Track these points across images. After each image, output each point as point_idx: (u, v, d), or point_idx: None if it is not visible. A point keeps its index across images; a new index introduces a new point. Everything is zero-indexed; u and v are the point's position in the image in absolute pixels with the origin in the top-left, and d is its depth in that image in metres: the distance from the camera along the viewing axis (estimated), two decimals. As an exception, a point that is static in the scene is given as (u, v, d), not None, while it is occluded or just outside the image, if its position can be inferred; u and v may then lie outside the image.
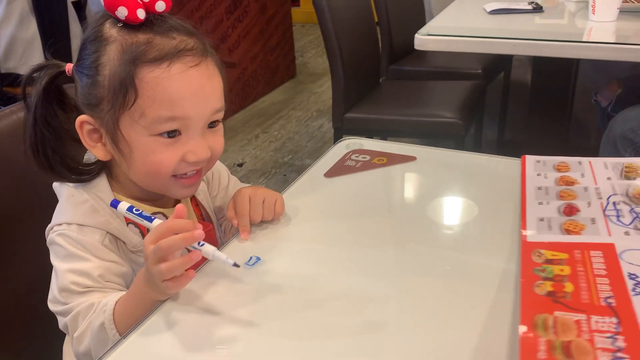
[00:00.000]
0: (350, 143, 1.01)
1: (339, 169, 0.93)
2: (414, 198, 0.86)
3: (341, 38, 1.99)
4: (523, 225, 0.73)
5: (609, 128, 1.67)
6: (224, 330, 0.60)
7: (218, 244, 0.85)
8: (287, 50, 3.81)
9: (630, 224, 0.71)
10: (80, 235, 0.70)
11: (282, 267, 0.70)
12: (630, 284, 0.59)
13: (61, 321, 0.70)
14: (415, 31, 1.63)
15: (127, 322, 0.63)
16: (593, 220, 0.72)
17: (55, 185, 0.76)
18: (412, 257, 0.72)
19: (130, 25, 0.67)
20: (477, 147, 2.32)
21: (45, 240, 0.73)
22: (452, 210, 0.84)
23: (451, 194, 0.88)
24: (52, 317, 0.72)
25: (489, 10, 1.80)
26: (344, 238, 0.75)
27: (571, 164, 0.88)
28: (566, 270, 0.63)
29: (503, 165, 0.93)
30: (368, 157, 0.96)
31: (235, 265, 0.60)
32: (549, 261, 0.65)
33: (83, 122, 0.70)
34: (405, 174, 0.91)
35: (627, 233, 0.69)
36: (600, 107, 1.93)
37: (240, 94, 3.38)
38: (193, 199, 0.84)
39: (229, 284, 0.67)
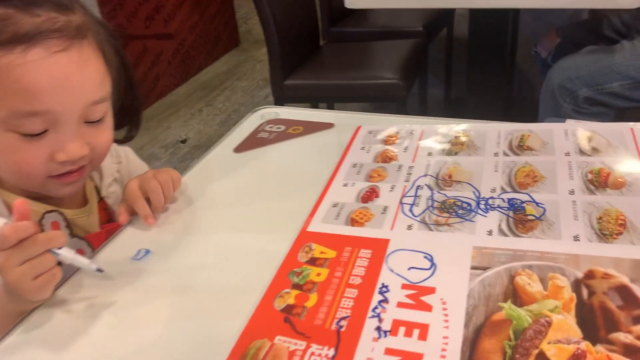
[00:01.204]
0: (266, 113, 0.93)
1: (250, 142, 0.85)
2: (325, 172, 0.79)
3: (274, 2, 1.89)
4: (313, 210, 0.67)
5: (547, 78, 1.63)
6: (97, 335, 0.53)
7: None
8: (228, 17, 3.65)
9: (419, 215, 0.64)
10: None
11: (174, 262, 0.62)
12: (375, 300, 0.53)
13: None
14: None
15: None
16: (385, 209, 0.65)
17: None
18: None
19: None
20: (423, 107, 2.26)
21: None
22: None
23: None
24: None
25: (422, -37, 1.72)
26: (247, 225, 0.68)
27: (402, 134, 0.81)
28: (323, 275, 0.57)
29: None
30: (283, 127, 0.88)
31: (99, 270, 0.52)
32: (313, 261, 0.59)
33: None
34: (319, 144, 0.83)
35: (409, 227, 0.62)
36: (541, 58, 1.90)
37: (180, 67, 3.23)
38: (101, 202, 0.76)
39: (108, 283, 0.60)
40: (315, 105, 2.31)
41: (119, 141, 0.77)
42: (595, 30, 1.78)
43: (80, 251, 0.69)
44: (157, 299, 0.57)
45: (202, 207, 0.71)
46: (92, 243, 0.71)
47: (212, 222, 0.69)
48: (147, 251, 0.64)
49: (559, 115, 1.60)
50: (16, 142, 0.59)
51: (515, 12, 2.03)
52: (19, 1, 0.58)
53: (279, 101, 2.04)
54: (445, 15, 2.42)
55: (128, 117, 0.74)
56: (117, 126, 0.72)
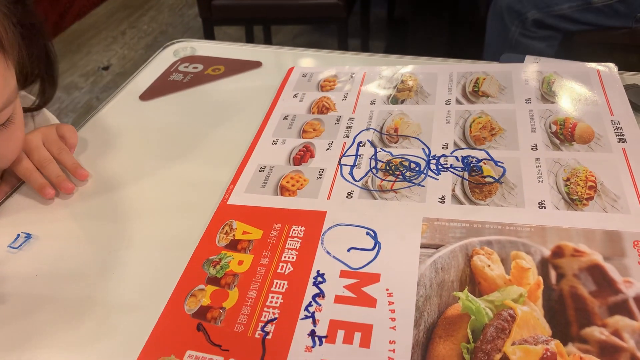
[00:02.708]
0: (179, 49, 0.79)
1: (159, 88, 0.71)
2: (251, 126, 0.67)
3: None
4: (235, 177, 0.55)
5: (496, 0, 1.53)
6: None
7: None
8: None
9: (361, 178, 0.53)
10: None
11: (60, 248, 0.50)
12: (309, 294, 0.43)
13: None
14: None
15: None
16: (321, 172, 0.55)
17: None
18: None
19: None
20: (365, 29, 2.12)
21: None
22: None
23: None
24: None
25: None
26: (153, 198, 0.56)
27: (341, 78, 0.68)
28: (245, 263, 0.46)
29: (358, 65, 0.74)
30: (201, 67, 0.75)
31: None
32: (233, 244, 0.48)
33: None
34: (244, 89, 0.71)
35: (349, 194, 0.52)
36: (488, -24, 1.77)
37: (98, -17, 2.90)
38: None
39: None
40: (249, 28, 2.13)
41: (31, 109, 0.62)
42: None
43: None
44: (36, 308, 0.46)
45: (99, 176, 0.59)
46: None
47: (109, 196, 0.56)
48: (28, 235, 0.51)
49: (506, 39, 1.52)
50: None
51: None
52: None
53: (207, 23, 1.85)
54: None
55: (41, 82, 0.59)
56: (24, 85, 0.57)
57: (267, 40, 2.23)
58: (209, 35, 1.88)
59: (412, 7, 2.39)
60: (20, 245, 0.50)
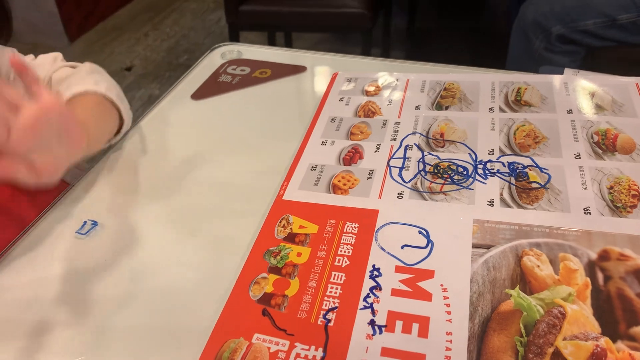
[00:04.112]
0: (227, 51, 0.82)
1: (209, 88, 0.74)
2: (299, 126, 0.70)
3: None
4: (288, 174, 0.58)
5: (520, 13, 1.55)
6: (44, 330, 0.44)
7: None
8: None
9: (411, 180, 0.56)
10: None
11: (125, 236, 0.53)
12: (366, 287, 0.46)
13: None
14: None
15: None
16: (371, 173, 0.57)
17: None
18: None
19: None
20: (386, 38, 2.15)
21: None
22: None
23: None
24: None
25: None
26: (210, 191, 0.58)
27: (385, 83, 0.71)
28: (304, 255, 0.49)
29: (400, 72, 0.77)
30: (248, 70, 0.77)
31: None
32: (291, 237, 0.51)
33: None
34: (291, 92, 0.73)
35: (400, 195, 0.54)
36: (512, -9, 1.80)
37: (123, -15, 2.96)
38: None
39: (54, 264, 0.50)
40: (271, 34, 2.16)
41: None
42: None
43: None
44: (109, 286, 0.48)
45: (156, 168, 0.61)
46: None
47: (168, 187, 0.59)
48: (94, 223, 0.54)
49: (530, 53, 1.54)
50: None
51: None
52: None
53: (234, 28, 1.89)
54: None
55: None
56: None
57: (288, 46, 2.26)
58: (233, 39, 1.92)
59: (432, 18, 2.42)
60: (88, 231, 0.53)
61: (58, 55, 0.71)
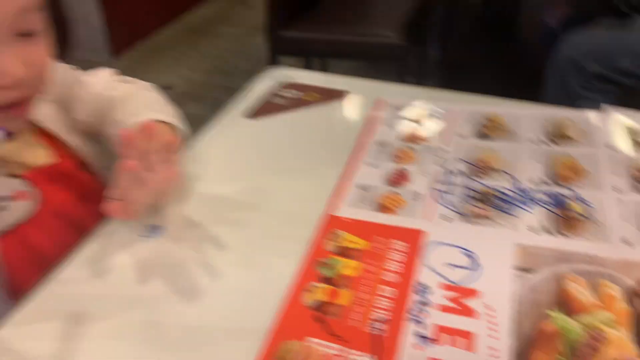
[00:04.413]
0: (279, 75, 0.86)
1: (263, 108, 0.79)
2: (345, 147, 0.73)
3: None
4: (336, 192, 0.61)
5: (558, 51, 1.58)
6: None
7: (96, 169, 0.71)
8: (218, -43, 3.46)
9: (455, 204, 0.59)
10: None
11: (191, 240, 0.57)
12: (412, 299, 0.49)
13: None
14: None
15: None
16: (417, 196, 0.61)
17: None
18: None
19: None
20: (420, 68, 2.20)
21: None
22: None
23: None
24: None
25: None
26: (264, 202, 0.62)
27: (429, 111, 0.75)
28: (353, 268, 0.52)
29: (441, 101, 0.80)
30: (298, 93, 0.82)
31: None
32: (342, 251, 0.54)
33: None
34: (337, 115, 0.77)
35: (445, 217, 0.58)
36: (547, 27, 1.83)
37: (166, 6, 3.07)
38: (38, 130, 0.66)
39: (121, 265, 0.54)
40: (308, 60, 2.22)
41: None
42: (608, 2, 1.72)
43: (20, 194, 0.60)
44: (170, 285, 0.52)
45: (215, 179, 0.66)
46: (33, 182, 0.62)
47: (226, 196, 0.63)
48: (158, 227, 0.58)
49: (566, 90, 1.56)
50: None
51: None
52: None
53: (273, 53, 1.95)
54: (451, -27, 2.32)
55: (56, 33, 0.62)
56: None
57: (324, 71, 2.32)
58: (272, 63, 1.98)
59: (466, 50, 2.46)
60: (151, 234, 0.57)
61: (113, 71, 0.76)
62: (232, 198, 0.63)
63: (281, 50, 1.94)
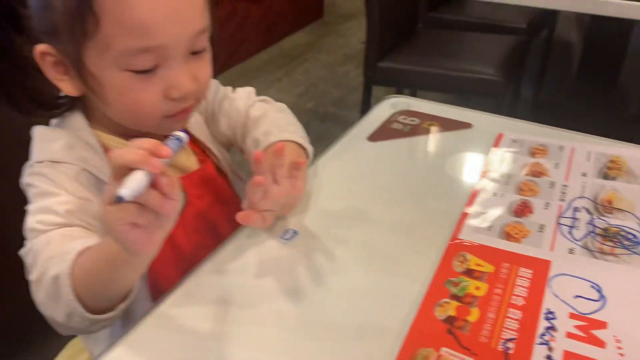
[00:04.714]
0: (397, 102, 0.91)
1: (384, 132, 0.83)
2: (467, 174, 0.77)
3: (380, -22, 1.84)
4: (462, 217, 0.64)
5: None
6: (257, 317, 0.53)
7: (229, 176, 0.77)
8: (315, -13, 3.61)
9: (581, 239, 0.61)
10: (52, 170, 0.60)
11: (322, 249, 0.62)
12: (542, 326, 0.51)
13: (26, 266, 0.58)
14: None
15: (87, 285, 0.52)
16: (541, 228, 0.63)
17: (32, 132, 0.65)
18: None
19: None
20: (513, 106, 2.19)
21: None
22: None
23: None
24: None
25: (547, -41, 1.63)
26: (390, 221, 0.66)
27: (550, 148, 0.77)
28: (482, 289, 0.55)
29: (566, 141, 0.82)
30: (417, 121, 0.86)
31: (119, 198, 0.43)
32: (469, 272, 0.57)
33: (43, 53, 0.58)
34: (459, 145, 0.81)
35: (571, 251, 0.59)
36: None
37: (264, 33, 3.23)
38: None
39: (262, 262, 0.60)
40: (399, 91, 2.27)
41: None
42: None
43: None
44: (308, 284, 0.57)
45: (340, 197, 0.70)
46: (184, 187, 0.68)
47: (353, 214, 0.67)
48: (295, 232, 0.63)
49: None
50: (131, 82, 0.57)
51: (630, 23, 1.92)
52: None
53: (369, 82, 2.01)
54: (550, 16, 2.32)
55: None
56: None
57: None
58: (367, 92, 2.04)
59: (560, 90, 2.43)
60: (290, 237, 0.62)
61: (252, 90, 0.83)
62: (358, 211, 0.67)
63: (377, 80, 2.00)
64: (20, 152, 0.69)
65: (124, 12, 0.53)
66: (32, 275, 0.56)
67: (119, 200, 0.42)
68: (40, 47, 0.58)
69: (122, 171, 0.45)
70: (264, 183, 0.59)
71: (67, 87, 0.60)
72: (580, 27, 2.39)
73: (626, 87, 2.40)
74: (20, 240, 0.60)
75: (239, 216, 0.61)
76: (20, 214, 0.64)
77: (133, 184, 0.42)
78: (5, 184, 0.76)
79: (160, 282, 0.68)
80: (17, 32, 0.60)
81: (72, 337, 0.80)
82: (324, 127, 2.52)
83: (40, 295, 0.55)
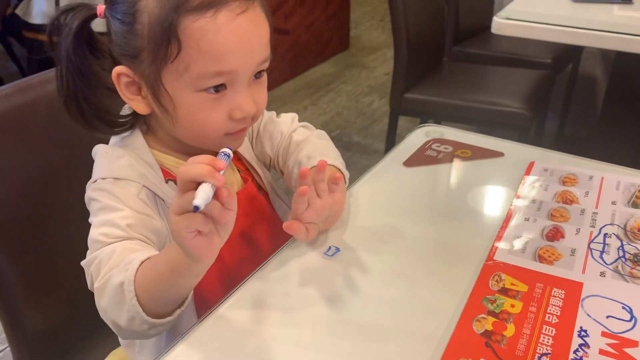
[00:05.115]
0: (430, 131, 0.95)
1: (419, 159, 0.87)
2: (500, 199, 0.80)
3: (409, 11, 1.90)
4: (497, 239, 0.68)
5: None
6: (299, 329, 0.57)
7: (269, 194, 0.81)
8: (342, 21, 3.71)
9: (612, 263, 0.64)
10: (115, 187, 0.65)
11: (362, 264, 0.65)
12: (575, 343, 0.53)
13: (87, 276, 0.63)
14: (483, 12, 1.48)
15: (149, 290, 0.56)
16: (573, 251, 0.66)
17: (93, 152, 0.71)
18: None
19: None
20: (538, 139, 2.21)
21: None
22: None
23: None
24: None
25: (572, -3, 1.68)
26: (427, 242, 0.70)
27: (580, 177, 0.80)
28: (517, 307, 0.58)
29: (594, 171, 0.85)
30: (450, 149, 0.90)
31: (196, 207, 0.48)
32: (504, 291, 0.60)
33: (120, 74, 0.64)
34: (491, 172, 0.84)
35: (602, 274, 0.62)
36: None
37: (291, 63, 3.32)
38: (234, 153, 0.79)
39: (303, 271, 0.63)
40: (423, 122, 2.31)
41: None
42: None
43: None
44: (350, 293, 0.60)
45: (378, 216, 0.74)
46: None
47: (390, 231, 0.71)
48: (337, 249, 0.67)
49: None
50: (202, 102, 0.63)
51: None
52: None
53: (395, 112, 2.06)
54: (575, 51, 2.36)
55: None
56: None
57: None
58: (393, 122, 2.09)
59: (582, 126, 2.45)
60: (333, 254, 0.66)
61: (295, 116, 0.88)
62: (396, 231, 0.71)
63: (403, 111, 2.05)
64: (80, 167, 0.74)
65: (204, 40, 0.59)
66: (97, 283, 0.60)
67: (195, 209, 0.47)
68: (118, 69, 0.64)
69: (189, 185, 0.50)
70: (307, 192, 0.64)
71: (139, 106, 0.66)
72: (605, 62, 2.42)
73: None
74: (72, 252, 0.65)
75: (286, 225, 0.66)
76: (80, 226, 0.69)
77: (204, 196, 0.47)
78: (67, 196, 0.82)
79: (205, 295, 0.72)
80: (92, 54, 0.66)
81: (114, 346, 0.84)
82: (349, 155, 2.57)
83: (103, 301, 0.59)
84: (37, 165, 0.81)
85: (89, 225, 0.65)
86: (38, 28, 2.36)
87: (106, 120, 0.68)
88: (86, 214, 0.69)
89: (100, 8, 0.65)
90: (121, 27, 0.63)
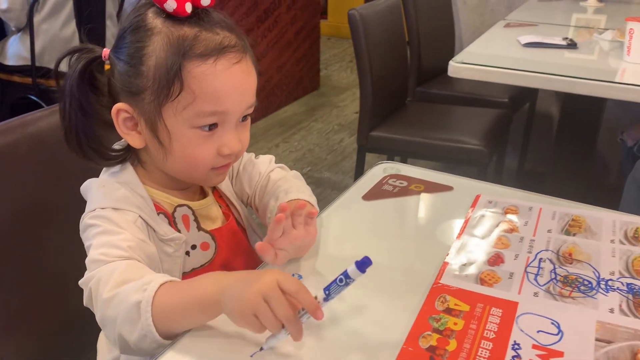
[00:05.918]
0: (387, 167, 1.03)
1: (376, 193, 0.95)
2: (448, 229, 0.87)
3: (373, 55, 2.01)
4: (444, 265, 0.75)
5: (635, 170, 1.67)
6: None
7: (246, 232, 0.87)
8: (313, 62, 3.84)
9: (544, 284, 0.71)
10: (115, 214, 0.71)
11: (326, 283, 0.71)
12: (509, 355, 0.60)
13: (86, 291, 0.67)
14: (444, 54, 1.60)
15: (167, 317, 0.61)
16: (511, 275, 0.73)
17: (83, 187, 0.77)
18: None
19: (175, 17, 0.68)
20: (498, 175, 2.32)
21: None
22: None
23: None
24: (84, 310, 0.69)
25: (523, 42, 1.81)
26: (382, 270, 0.76)
27: (521, 208, 0.88)
28: (459, 325, 0.64)
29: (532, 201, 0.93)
30: (405, 183, 0.97)
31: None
32: (449, 311, 0.67)
33: (120, 110, 0.71)
34: (441, 205, 0.92)
35: (536, 294, 0.69)
36: (626, 146, 1.94)
37: (263, 102, 3.41)
38: (215, 190, 0.86)
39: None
40: (390, 158, 2.40)
41: None
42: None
43: (204, 245, 0.79)
44: (308, 324, 0.66)
45: (341, 245, 0.81)
46: (216, 238, 0.80)
47: (353, 258, 0.77)
48: (300, 275, 0.73)
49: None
50: (196, 138, 0.70)
51: (602, 99, 2.09)
52: (204, 22, 0.70)
53: (362, 149, 2.15)
54: (531, 90, 2.50)
55: None
56: None
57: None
58: (360, 159, 2.17)
59: (542, 161, 2.58)
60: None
61: (272, 157, 0.96)
62: (357, 258, 0.77)
63: (369, 148, 2.14)
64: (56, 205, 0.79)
65: (204, 83, 0.68)
66: (106, 294, 0.63)
67: (260, 349, 0.59)
68: (118, 105, 0.71)
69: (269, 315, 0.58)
70: (283, 220, 0.71)
71: (134, 140, 0.73)
72: (559, 100, 2.56)
73: (604, 156, 2.56)
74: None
75: (258, 245, 0.72)
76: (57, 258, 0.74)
77: (275, 343, 0.60)
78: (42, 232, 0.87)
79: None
80: (93, 92, 0.74)
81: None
82: (320, 190, 2.64)
83: (110, 312, 0.63)
84: (14, 202, 0.86)
85: (65, 257, 0.71)
86: (12, 70, 2.40)
87: (101, 152, 0.75)
88: (61, 247, 0.74)
89: (106, 52, 0.73)
90: (126, 68, 0.70)
